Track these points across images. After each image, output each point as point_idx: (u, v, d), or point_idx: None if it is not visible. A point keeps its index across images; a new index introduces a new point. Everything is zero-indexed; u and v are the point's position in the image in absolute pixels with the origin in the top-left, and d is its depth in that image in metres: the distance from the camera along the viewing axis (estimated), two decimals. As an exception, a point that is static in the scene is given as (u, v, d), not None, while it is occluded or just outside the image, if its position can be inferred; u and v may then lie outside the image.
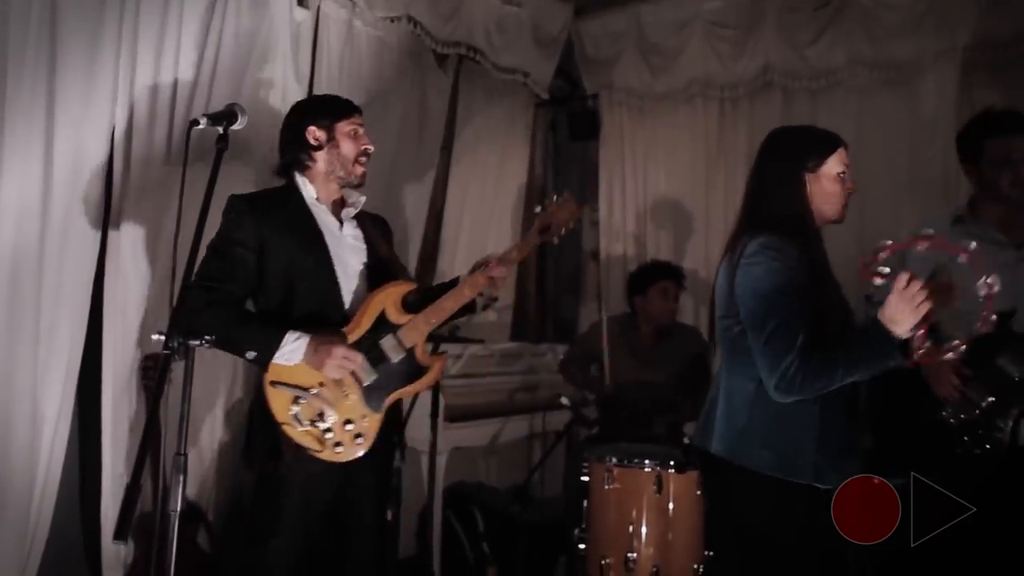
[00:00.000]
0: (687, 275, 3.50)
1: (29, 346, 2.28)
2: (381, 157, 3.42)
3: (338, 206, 2.14)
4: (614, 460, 2.63)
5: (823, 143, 1.87)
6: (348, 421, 1.95)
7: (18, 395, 2.27)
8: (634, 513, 2.57)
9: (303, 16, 3.02)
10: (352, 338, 1.98)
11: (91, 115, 2.37)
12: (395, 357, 2.00)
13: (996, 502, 2.11)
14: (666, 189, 4.12)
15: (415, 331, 2.01)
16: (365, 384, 1.97)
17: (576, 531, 2.75)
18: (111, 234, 2.45)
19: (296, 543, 1.92)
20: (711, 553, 2.63)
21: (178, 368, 1.40)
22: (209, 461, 2.74)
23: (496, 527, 3.26)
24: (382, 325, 2.01)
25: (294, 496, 1.92)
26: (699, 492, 2.61)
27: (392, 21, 3.30)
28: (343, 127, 2.09)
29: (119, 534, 1.15)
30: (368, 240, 2.14)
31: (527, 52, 3.96)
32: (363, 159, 2.12)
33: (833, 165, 1.84)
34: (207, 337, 1.39)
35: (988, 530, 2.11)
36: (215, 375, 2.71)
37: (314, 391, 1.93)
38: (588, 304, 4.50)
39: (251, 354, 1.91)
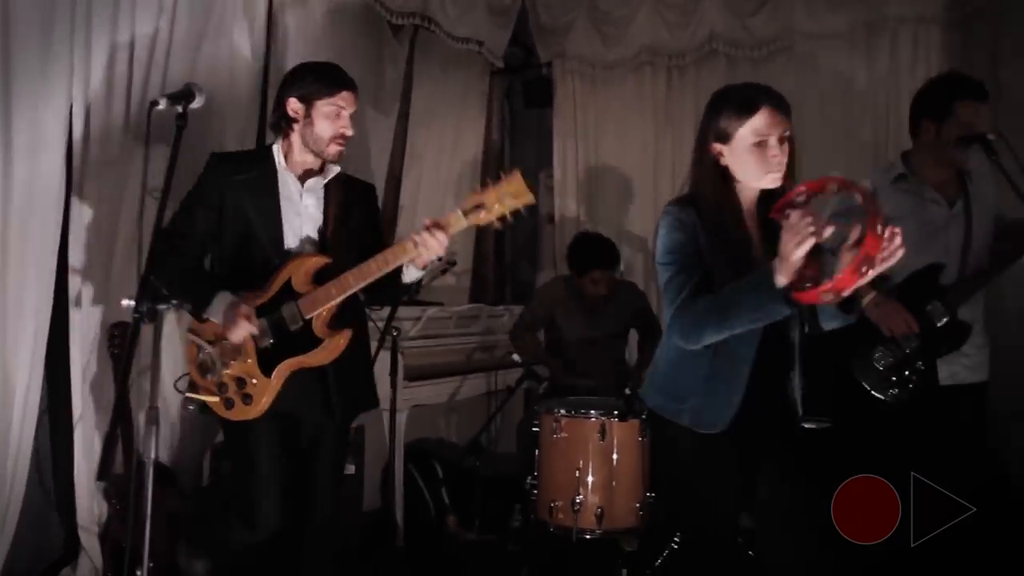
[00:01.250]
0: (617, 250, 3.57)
1: (-3, 316, 2.36)
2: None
3: (309, 174, 2.14)
4: (562, 411, 2.83)
5: (736, 110, 1.75)
6: (241, 381, 2.02)
7: (-12, 364, 2.36)
8: (580, 460, 2.77)
9: (257, -13, 3.06)
10: (260, 301, 2.03)
11: (48, 91, 2.41)
12: (292, 325, 2.01)
13: (917, 440, 2.32)
14: (617, 154, 4.28)
15: (315, 302, 2.00)
16: (260, 347, 2.02)
17: (528, 479, 2.96)
18: (74, 207, 2.52)
19: (275, 473, 2.02)
20: (653, 495, 2.87)
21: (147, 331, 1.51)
22: (176, 422, 2.86)
23: (455, 479, 3.45)
24: (287, 294, 2.02)
25: (260, 437, 2.03)
26: (641, 439, 2.83)
27: (346, -9, 3.35)
28: (323, 106, 2.04)
29: (101, 475, 1.27)
30: (326, 210, 2.13)
31: (481, 21, 4.03)
32: (339, 140, 2.08)
33: (746, 135, 1.72)
34: (173, 303, 1.52)
35: (910, 469, 2.30)
36: (177, 338, 2.80)
37: (212, 347, 2.03)
38: (545, 266, 4.66)
39: (188, 307, 2.03)
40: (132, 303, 1.48)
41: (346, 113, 2.07)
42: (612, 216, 4.27)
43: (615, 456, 2.78)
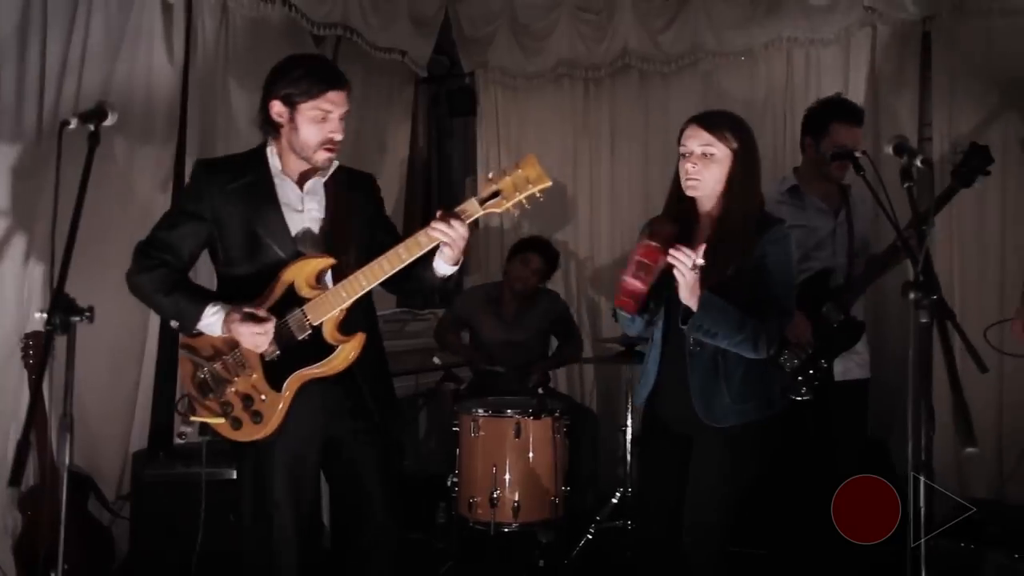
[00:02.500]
0: (556, 250, 3.79)
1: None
2: (257, 136, 3.55)
3: (305, 176, 1.97)
4: (479, 411, 2.97)
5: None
6: (248, 398, 1.87)
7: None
8: (498, 457, 2.92)
9: (175, 1, 3.08)
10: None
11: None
12: (299, 334, 1.84)
13: (815, 430, 2.50)
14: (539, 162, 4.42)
15: (323, 307, 1.83)
16: (267, 359, 1.86)
17: (450, 477, 3.08)
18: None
19: (296, 511, 1.90)
20: (568, 488, 3.04)
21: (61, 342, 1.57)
22: (96, 430, 2.86)
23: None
24: (291, 299, 1.86)
25: (278, 468, 1.89)
26: (555, 436, 2.99)
27: (268, 3, 3.39)
28: (307, 109, 1.85)
29: (13, 480, 1.32)
30: (328, 208, 1.97)
31: (404, 31, 4.10)
32: (328, 146, 1.89)
33: (681, 139, 1.93)
34: (86, 314, 1.57)
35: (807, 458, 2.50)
36: (98, 348, 2.81)
37: (213, 363, 1.89)
38: (472, 271, 4.78)
39: (174, 323, 1.90)
40: (44, 315, 1.52)
41: (335, 115, 1.87)
42: (534, 221, 4.42)
43: (530, 453, 2.93)
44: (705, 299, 1.82)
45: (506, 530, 2.91)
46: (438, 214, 1.78)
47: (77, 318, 1.55)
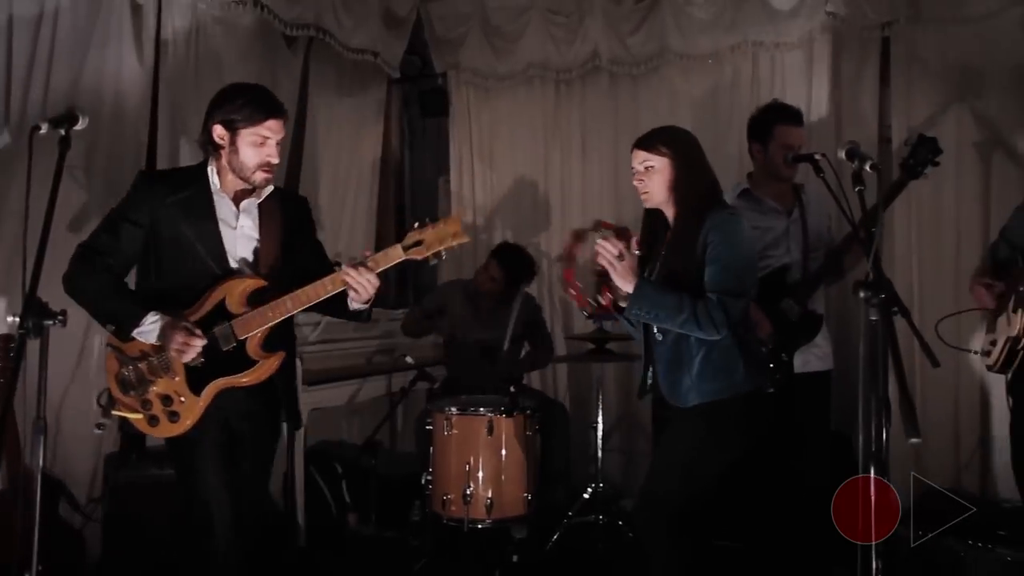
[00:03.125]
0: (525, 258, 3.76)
1: None
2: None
3: (242, 195, 2.11)
4: (452, 409, 3.01)
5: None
6: (167, 399, 2.02)
7: None
8: (471, 454, 2.96)
9: (145, 0, 3.07)
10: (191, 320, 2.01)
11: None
12: (224, 346, 2.01)
13: (779, 423, 2.57)
14: (509, 162, 4.48)
15: (249, 324, 2.01)
16: (189, 365, 2.01)
17: (424, 475, 3.12)
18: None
19: (223, 486, 2.04)
20: (540, 484, 3.09)
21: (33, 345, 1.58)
22: (67, 433, 2.85)
23: (356, 479, 3.56)
24: (220, 314, 2.02)
25: (199, 456, 2.04)
26: (528, 433, 3.03)
27: (238, 4, 3.39)
28: (247, 134, 2.01)
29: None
30: (261, 229, 2.12)
31: (376, 32, 4.13)
32: (265, 168, 2.05)
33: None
34: (59, 318, 1.58)
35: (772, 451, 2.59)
36: (68, 351, 2.80)
37: (139, 363, 2.01)
38: (445, 269, 4.81)
39: (110, 327, 2.00)
40: (17, 319, 1.53)
41: (272, 141, 2.04)
42: (506, 221, 4.47)
43: (503, 450, 2.98)
44: (638, 286, 2.03)
45: (479, 527, 2.96)
46: (349, 262, 2.00)
47: (50, 322, 1.56)
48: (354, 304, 2.05)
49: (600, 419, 3.35)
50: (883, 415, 1.61)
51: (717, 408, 2.09)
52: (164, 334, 1.97)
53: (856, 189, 1.77)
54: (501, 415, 2.96)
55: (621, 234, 2.12)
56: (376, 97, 4.56)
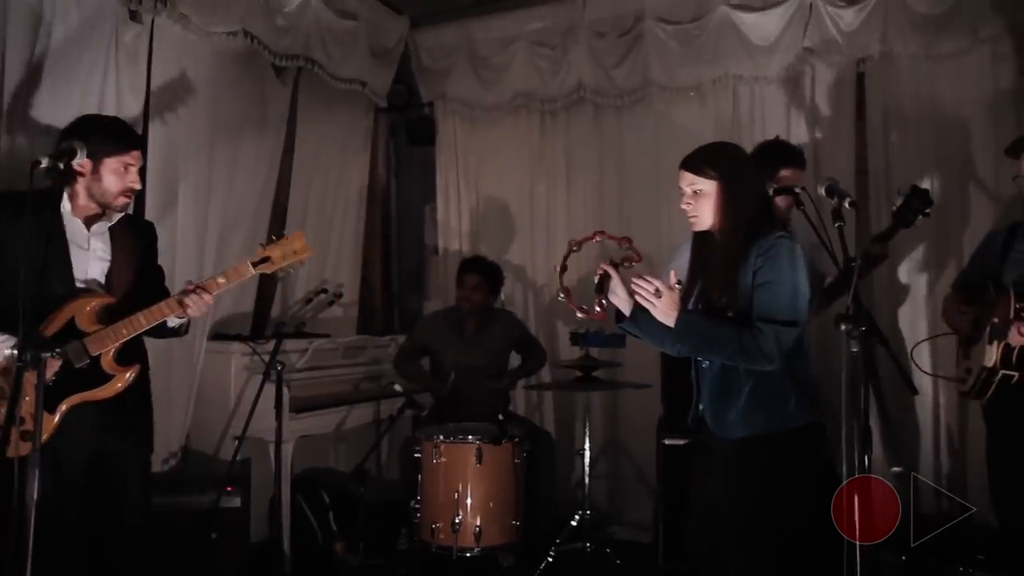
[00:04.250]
0: (494, 264, 3.85)
1: None
2: (221, 164, 3.60)
3: (93, 219, 2.23)
4: (441, 437, 3.02)
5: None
6: (20, 419, 1.97)
7: None
8: (459, 482, 2.97)
9: (136, 30, 3.10)
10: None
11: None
12: (77, 362, 2.08)
13: None
14: (496, 191, 4.54)
15: (103, 340, 2.11)
16: (38, 384, 1.95)
17: (413, 503, 3.11)
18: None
19: (61, 522, 2.06)
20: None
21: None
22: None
23: (343, 507, 3.55)
24: (71, 332, 2.10)
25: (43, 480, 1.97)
26: (516, 461, 3.05)
27: (229, 35, 3.43)
28: (112, 163, 2.15)
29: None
30: (114, 252, 2.25)
31: (364, 63, 4.20)
32: (127, 194, 2.20)
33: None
34: (58, 350, 1.59)
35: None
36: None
37: None
38: (431, 297, 4.84)
39: None
40: (15, 352, 1.54)
41: (134, 169, 2.20)
42: (493, 248, 4.51)
43: (492, 478, 2.99)
44: (680, 320, 1.94)
45: (468, 555, 2.96)
46: (189, 286, 2.17)
47: (48, 354, 1.57)
48: (171, 320, 2.21)
49: (587, 446, 3.37)
50: (865, 444, 1.66)
51: (765, 442, 1.95)
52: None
53: (836, 225, 1.83)
54: (489, 443, 2.98)
55: (623, 243, 2.16)
56: (363, 126, 4.61)
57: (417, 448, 3.12)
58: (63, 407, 2.08)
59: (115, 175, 2.16)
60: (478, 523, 2.94)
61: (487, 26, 4.44)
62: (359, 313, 4.61)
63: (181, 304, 2.14)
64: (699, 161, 2.07)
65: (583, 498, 3.40)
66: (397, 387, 3.37)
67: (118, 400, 2.17)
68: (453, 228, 4.62)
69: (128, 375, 2.16)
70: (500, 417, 3.03)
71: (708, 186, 2.03)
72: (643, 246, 4.08)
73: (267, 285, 4.01)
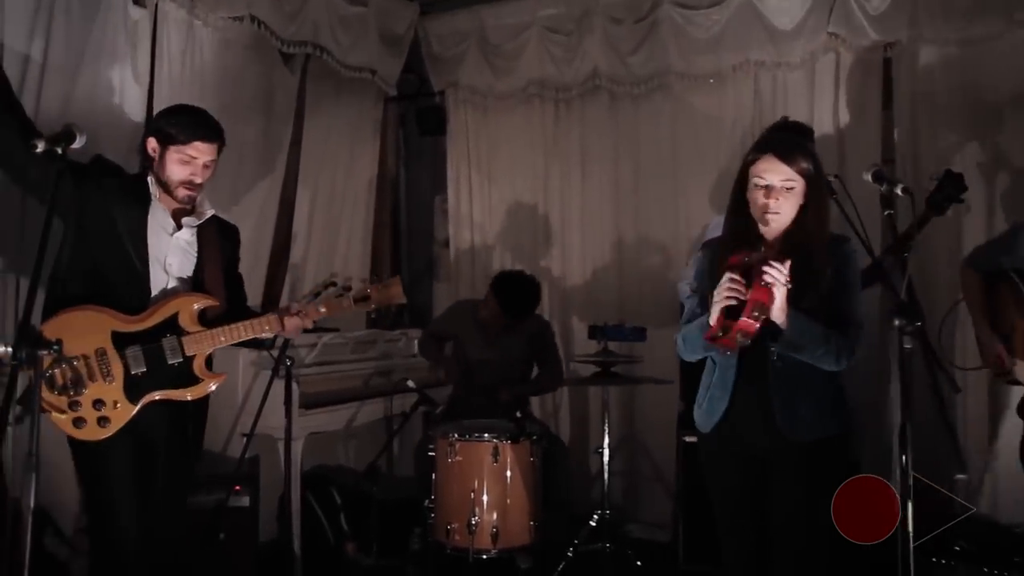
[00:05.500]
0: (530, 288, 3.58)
1: None
2: (227, 153, 3.48)
3: (180, 212, 2.21)
4: (456, 435, 2.92)
5: (754, 149, 1.91)
6: (99, 401, 2.02)
7: None
8: (475, 481, 2.87)
9: (139, 15, 3.01)
10: (137, 327, 2.06)
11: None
12: (171, 359, 2.08)
13: None
14: (509, 181, 4.43)
15: (200, 343, 2.11)
16: (132, 372, 2.05)
17: (426, 502, 3.02)
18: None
19: (131, 496, 2.05)
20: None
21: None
22: (51, 461, 2.73)
23: (354, 505, 3.46)
24: (171, 326, 2.10)
25: (115, 464, 2.04)
26: (532, 459, 2.95)
27: (235, 20, 3.34)
28: (175, 151, 2.12)
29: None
30: (202, 251, 2.23)
31: (374, 50, 4.09)
32: (188, 186, 2.15)
33: (754, 174, 1.87)
34: (55, 346, 1.50)
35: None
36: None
37: (74, 361, 2.00)
38: (442, 290, 4.74)
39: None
40: (9, 350, 1.45)
41: (199, 162, 2.15)
42: (505, 241, 4.41)
43: (509, 477, 2.89)
44: (792, 315, 1.80)
45: (484, 557, 2.87)
46: (292, 307, 2.19)
47: (44, 351, 1.48)
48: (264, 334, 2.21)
49: (606, 443, 3.26)
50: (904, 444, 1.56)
51: (831, 444, 1.91)
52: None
53: (886, 213, 1.72)
54: (507, 441, 2.88)
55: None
56: (373, 115, 4.51)
57: (431, 446, 3.02)
58: (146, 399, 2.06)
59: (178, 164, 2.12)
60: (495, 524, 2.84)
61: (499, 12, 4.33)
62: (369, 307, 4.51)
63: (281, 323, 2.15)
64: (796, 151, 1.86)
65: (603, 496, 3.29)
66: (411, 383, 3.26)
67: (185, 403, 2.15)
68: (464, 220, 4.51)
69: (215, 382, 2.16)
70: (518, 414, 2.93)
71: (800, 184, 1.85)
72: (659, 239, 4.10)
73: (275, 279, 3.92)
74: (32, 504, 1.41)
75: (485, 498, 2.87)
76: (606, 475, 3.27)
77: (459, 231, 4.54)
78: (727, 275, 1.79)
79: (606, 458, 3.25)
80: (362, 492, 3.42)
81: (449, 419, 3.33)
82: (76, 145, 1.73)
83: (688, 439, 3.18)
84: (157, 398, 2.08)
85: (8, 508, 1.97)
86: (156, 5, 3.06)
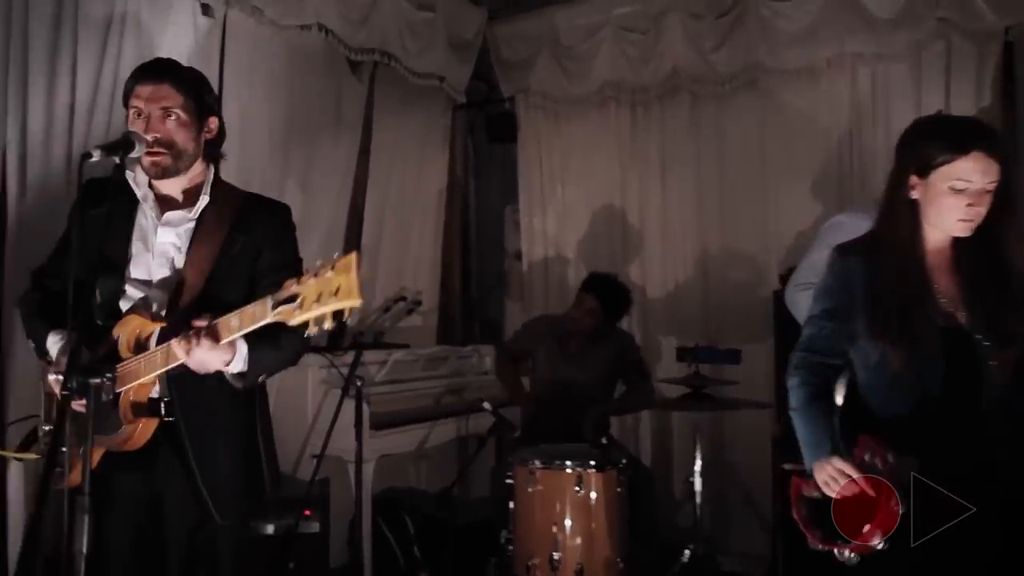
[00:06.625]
0: (621, 289, 3.43)
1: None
2: (297, 163, 3.42)
3: (169, 204, 1.73)
4: (537, 463, 2.71)
5: (945, 146, 1.60)
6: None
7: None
8: (557, 513, 2.65)
9: (208, 25, 2.95)
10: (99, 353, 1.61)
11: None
12: (105, 397, 1.47)
13: None
14: (584, 189, 4.22)
15: (124, 377, 1.58)
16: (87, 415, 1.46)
17: (504, 533, 2.82)
18: (9, 263, 2.36)
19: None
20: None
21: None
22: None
23: (427, 531, 3.29)
24: (114, 356, 1.62)
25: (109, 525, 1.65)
26: (619, 489, 2.71)
27: (303, 29, 3.26)
28: (129, 113, 1.67)
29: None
30: (191, 245, 1.69)
31: (442, 56, 3.98)
32: (151, 150, 1.62)
33: (948, 175, 1.58)
34: (108, 376, 1.36)
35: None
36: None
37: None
38: (514, 305, 4.56)
39: (31, 344, 1.77)
40: (60, 378, 1.32)
41: (152, 111, 1.63)
42: (580, 253, 4.20)
43: (593, 509, 2.66)
44: None
45: (568, 595, 2.64)
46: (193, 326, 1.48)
47: (96, 380, 1.34)
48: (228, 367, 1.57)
49: (697, 469, 2.99)
50: None
51: None
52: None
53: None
54: (591, 469, 2.65)
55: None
56: (441, 123, 4.38)
57: (509, 473, 2.81)
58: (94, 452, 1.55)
59: (132, 124, 1.64)
60: (579, 560, 2.62)
61: (570, 13, 4.14)
62: (438, 322, 4.37)
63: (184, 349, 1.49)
64: (999, 143, 1.60)
65: (693, 529, 3.02)
66: (487, 405, 3.07)
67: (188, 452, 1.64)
68: (536, 231, 4.32)
69: (142, 428, 1.60)
70: (603, 440, 2.70)
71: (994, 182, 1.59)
72: (747, 250, 3.80)
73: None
74: (85, 550, 1.27)
75: (568, 532, 2.64)
76: (698, 506, 3.00)
77: (531, 244, 4.35)
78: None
79: (698, 487, 2.98)
80: (434, 517, 3.25)
81: (526, 443, 3.12)
82: (135, 154, 1.60)
83: (789, 467, 2.89)
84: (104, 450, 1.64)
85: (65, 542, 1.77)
86: (224, 15, 2.99)
